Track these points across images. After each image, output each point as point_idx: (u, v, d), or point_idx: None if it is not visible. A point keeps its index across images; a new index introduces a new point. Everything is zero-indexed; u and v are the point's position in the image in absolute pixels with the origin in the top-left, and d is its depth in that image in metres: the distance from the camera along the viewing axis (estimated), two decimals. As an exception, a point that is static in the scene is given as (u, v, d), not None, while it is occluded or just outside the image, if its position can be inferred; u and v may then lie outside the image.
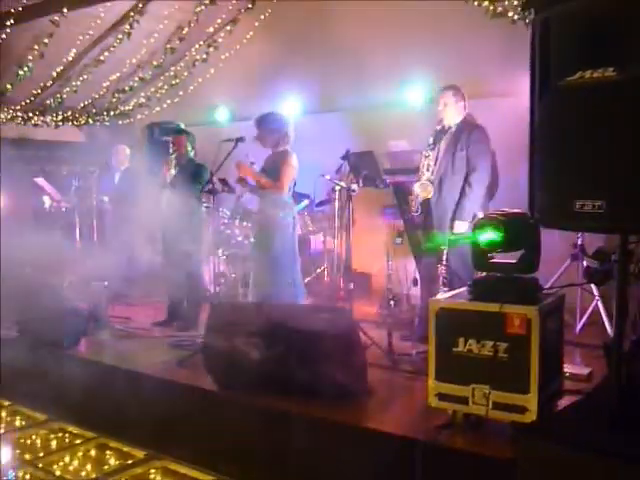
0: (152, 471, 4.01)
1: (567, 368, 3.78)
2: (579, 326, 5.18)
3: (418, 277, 5.32)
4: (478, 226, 3.25)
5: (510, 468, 2.73)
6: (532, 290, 3.22)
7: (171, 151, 5.97)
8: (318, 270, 7.16)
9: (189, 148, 6.02)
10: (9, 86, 8.04)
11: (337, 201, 5.52)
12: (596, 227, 2.51)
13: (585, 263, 5.06)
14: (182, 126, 8.26)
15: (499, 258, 3.36)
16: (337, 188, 5.21)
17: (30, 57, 7.58)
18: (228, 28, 8.31)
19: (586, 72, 2.31)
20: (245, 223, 6.63)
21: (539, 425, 2.88)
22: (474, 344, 3.16)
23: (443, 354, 3.25)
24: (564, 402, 3.34)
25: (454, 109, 4.87)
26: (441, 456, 3.13)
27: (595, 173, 2.32)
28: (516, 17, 5.90)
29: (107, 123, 9.97)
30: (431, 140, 4.88)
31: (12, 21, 6.86)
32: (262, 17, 8.08)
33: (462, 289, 3.51)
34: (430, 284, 4.86)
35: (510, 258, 3.35)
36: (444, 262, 4.59)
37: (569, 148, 2.39)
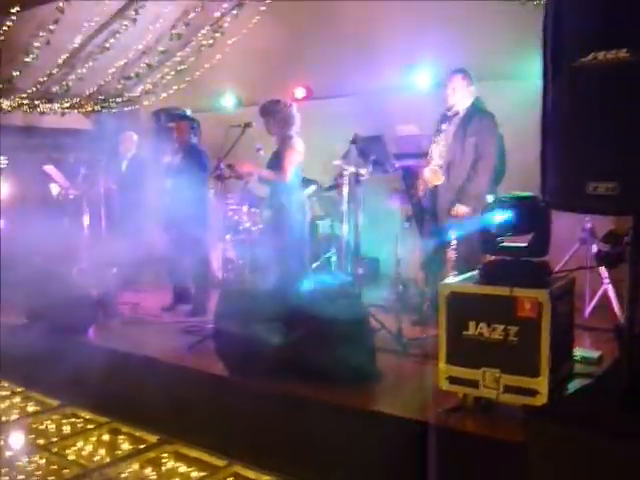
0: (164, 455, 4.03)
1: (577, 351, 3.78)
2: (588, 310, 5.18)
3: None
4: (488, 209, 3.24)
5: (521, 451, 2.73)
6: (543, 273, 3.22)
7: (174, 138, 5.99)
8: (325, 255, 7.16)
9: (191, 134, 6.02)
10: (16, 73, 8.02)
11: (345, 186, 5.49)
12: (609, 209, 2.49)
13: (595, 246, 5.04)
14: (188, 112, 8.26)
15: (509, 242, 3.36)
16: (345, 173, 5.19)
17: (36, 44, 7.56)
18: (234, 12, 8.25)
19: (599, 53, 2.29)
20: (253, 209, 6.62)
21: (550, 408, 2.88)
22: (485, 327, 3.17)
23: (454, 338, 3.26)
24: (574, 385, 3.35)
25: (463, 93, 4.86)
26: (452, 439, 3.14)
27: (608, 155, 2.30)
28: (524, -1, 5.86)
29: (114, 110, 9.95)
30: (443, 127, 4.87)
31: (18, 8, 6.84)
32: (268, 1, 8.03)
33: (472, 273, 3.51)
34: (437, 268, 4.88)
35: (520, 241, 3.35)
36: (453, 246, 4.59)
37: (582, 130, 2.37)
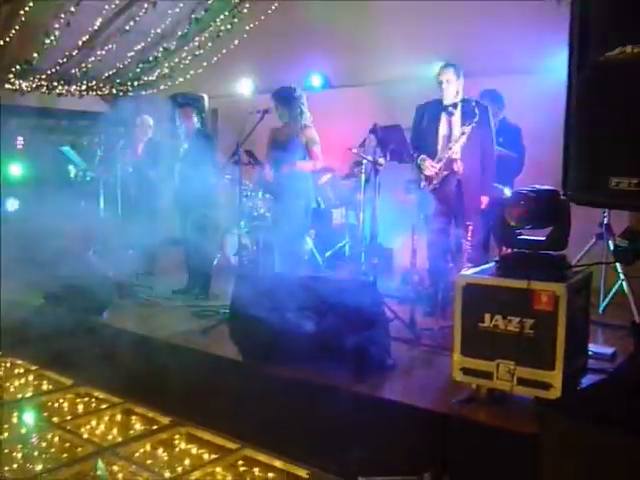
0: (176, 437, 4.08)
1: (591, 347, 3.77)
2: (603, 306, 5.16)
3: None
4: (507, 202, 3.24)
5: (533, 443, 2.75)
6: (560, 267, 3.22)
7: (178, 124, 6.01)
8: (339, 244, 7.18)
9: (196, 119, 6.03)
10: (35, 55, 8.05)
11: (363, 175, 5.51)
12: (631, 205, 2.48)
13: (611, 242, 5.03)
14: (205, 97, 8.27)
15: (527, 235, 3.36)
16: (364, 162, 5.21)
17: (56, 25, 7.58)
18: (253, -2, 8.25)
19: (626, 47, 2.28)
20: (268, 195, 6.64)
21: (564, 402, 2.89)
22: (500, 320, 3.17)
23: (469, 329, 3.27)
24: (588, 380, 3.36)
25: (455, 86, 4.97)
26: (464, 429, 3.16)
27: (632, 150, 2.29)
28: (547, -8, 5.80)
29: (131, 93, 9.97)
30: (440, 113, 4.99)
31: (40, -11, 6.86)
32: (288, -12, 8.01)
33: (488, 265, 3.51)
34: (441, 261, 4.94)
35: (537, 235, 3.35)
36: (469, 237, 4.59)
37: (606, 124, 2.36)
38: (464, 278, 3.34)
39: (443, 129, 5.02)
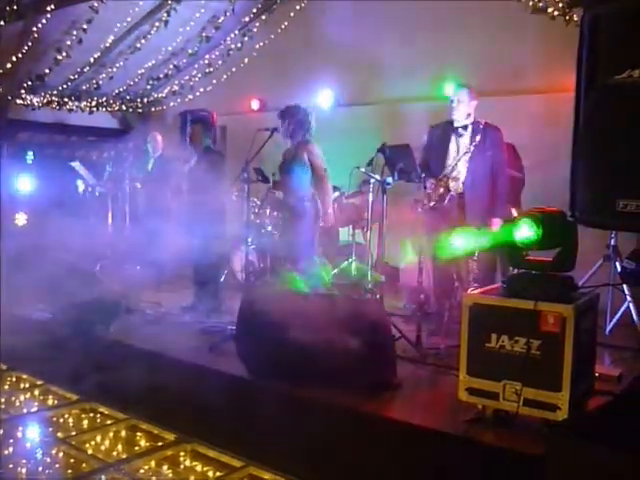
0: (182, 454, 4.07)
1: (597, 369, 3.75)
2: (609, 327, 5.14)
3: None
4: (515, 223, 3.25)
5: (539, 464, 2.74)
6: (567, 288, 3.22)
7: (188, 141, 6.05)
8: (346, 262, 7.17)
9: (204, 136, 6.07)
10: (47, 70, 8.15)
11: (370, 193, 5.53)
12: (638, 227, 2.50)
13: (618, 264, 5.02)
14: (214, 114, 8.33)
15: (534, 256, 3.36)
16: (372, 181, 5.23)
17: (68, 42, 7.68)
18: (263, 17, 8.34)
19: (634, 71, 2.31)
20: (275, 213, 6.66)
21: (571, 424, 2.88)
22: (507, 340, 3.17)
23: (475, 349, 3.26)
24: (594, 402, 3.34)
25: (467, 107, 4.97)
26: (470, 450, 3.14)
27: (639, 172, 2.31)
28: (556, 13, 5.86)
29: (140, 110, 10.07)
30: (444, 134, 5.04)
31: (52, 6, 6.95)
32: (298, 7, 8.10)
33: (495, 285, 3.52)
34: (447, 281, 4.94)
35: (544, 256, 3.35)
36: (475, 258, 4.60)
37: (614, 147, 2.39)
38: (471, 298, 3.34)
39: (452, 150, 5.03)
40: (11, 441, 4.22)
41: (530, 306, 3.08)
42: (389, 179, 4.89)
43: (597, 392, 3.49)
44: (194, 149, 6.03)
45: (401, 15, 7.09)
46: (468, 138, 4.99)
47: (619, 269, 5.00)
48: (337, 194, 7.06)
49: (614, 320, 5.15)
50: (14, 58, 7.78)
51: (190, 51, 8.68)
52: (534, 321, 3.07)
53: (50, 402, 5.00)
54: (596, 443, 2.51)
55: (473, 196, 4.92)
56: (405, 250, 4.80)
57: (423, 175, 4.93)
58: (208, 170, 5.76)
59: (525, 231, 3.16)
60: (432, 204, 4.98)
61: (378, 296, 4.96)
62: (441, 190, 4.95)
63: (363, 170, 5.49)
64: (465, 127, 4.99)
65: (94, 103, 9.43)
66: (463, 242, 3.83)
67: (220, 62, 8.89)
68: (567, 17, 5.80)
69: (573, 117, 2.58)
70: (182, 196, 6.07)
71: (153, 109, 10.12)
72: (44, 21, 7.26)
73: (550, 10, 5.91)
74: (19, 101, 8.76)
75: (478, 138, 4.89)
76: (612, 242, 5.21)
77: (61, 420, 4.64)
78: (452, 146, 5.05)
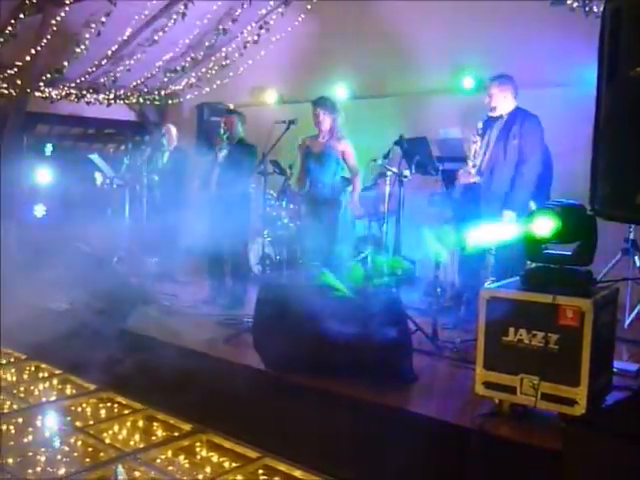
0: (198, 444, 4.09)
1: (615, 364, 3.73)
2: (628, 321, 5.10)
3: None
4: (534, 217, 3.22)
5: (556, 459, 2.73)
6: (586, 282, 3.20)
7: (222, 131, 6.03)
8: (362, 255, 7.16)
9: (240, 128, 6.06)
10: (66, 63, 8.19)
11: (387, 186, 5.52)
12: (659, 221, 2.47)
13: (637, 258, 4.98)
14: (231, 107, 8.34)
15: (553, 249, 3.34)
16: (388, 173, 5.22)
17: (87, 35, 7.72)
18: (280, 10, 8.32)
19: (658, 63, 2.27)
20: (291, 205, 6.67)
21: (590, 418, 2.86)
22: (524, 334, 3.16)
23: (492, 343, 3.25)
24: (612, 397, 3.32)
25: (501, 99, 4.85)
26: (487, 444, 3.13)
27: (661, 166, 2.29)
28: (575, 5, 5.80)
29: (157, 102, 10.10)
30: (480, 125, 4.87)
31: (71, -1, 6.99)
32: (314, 0, 8.07)
33: (513, 279, 3.50)
34: (473, 273, 4.89)
35: (563, 250, 3.33)
36: (493, 251, 4.58)
37: (636, 139, 2.35)
38: (489, 291, 3.33)
39: (485, 141, 4.91)
40: (30, 429, 4.27)
41: (549, 300, 3.06)
42: (406, 172, 4.87)
43: (615, 387, 3.47)
44: (228, 140, 5.99)
45: (417, 8, 7.05)
46: (498, 129, 4.87)
47: (638, 263, 4.96)
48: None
49: (633, 314, 5.12)
50: (33, 51, 7.83)
51: (207, 44, 8.68)
52: (552, 315, 3.06)
53: (68, 391, 5.04)
54: (615, 438, 2.49)
55: (490, 186, 4.82)
56: (431, 241, 4.75)
57: (441, 168, 4.90)
58: (241, 161, 5.76)
59: (544, 224, 3.14)
60: (449, 196, 4.94)
61: (395, 289, 4.95)
62: (461, 180, 4.90)
63: (380, 163, 5.48)
64: (497, 118, 4.87)
65: (112, 96, 9.47)
66: (480, 234, 3.83)
67: (237, 55, 8.88)
68: (587, 8, 5.74)
69: (594, 110, 2.55)
70: (210, 187, 6.03)
71: (170, 102, 10.14)
72: (63, 14, 7.29)
73: (570, 1, 5.84)
74: (38, 94, 8.82)
75: (502, 126, 4.79)
76: (631, 236, 5.17)
77: (79, 409, 4.68)
78: (486, 137, 4.91)
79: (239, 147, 5.95)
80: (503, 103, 4.84)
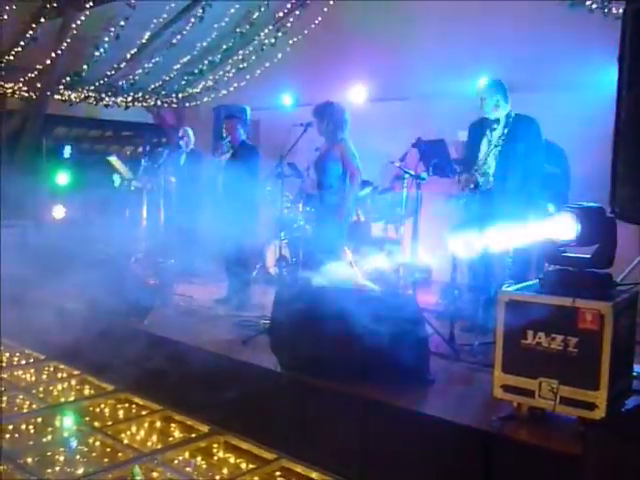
0: (215, 445, 4.12)
1: (636, 368, 3.69)
2: (647, 325, 5.04)
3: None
4: (553, 219, 3.21)
5: (575, 463, 2.71)
6: (606, 285, 3.17)
7: (224, 135, 6.09)
8: (378, 258, 7.15)
9: (241, 131, 6.10)
10: (85, 67, 8.28)
11: (404, 189, 5.51)
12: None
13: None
14: (247, 109, 8.37)
15: (571, 252, 3.32)
16: (406, 176, 5.21)
17: (106, 39, 7.79)
18: (297, 13, 8.35)
19: (680, 66, 2.26)
20: (308, 208, 6.69)
21: (610, 423, 2.84)
22: (543, 337, 3.13)
23: (511, 346, 3.23)
24: (633, 401, 3.29)
25: (491, 103, 4.86)
26: (505, 448, 3.12)
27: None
28: (594, 6, 5.77)
29: (174, 105, 10.17)
30: (480, 129, 4.94)
31: (91, 3, 7.06)
32: (331, 2, 8.10)
33: (532, 281, 3.48)
34: (490, 275, 4.87)
35: (582, 252, 3.30)
36: (511, 254, 4.56)
37: (656, 142, 2.34)
38: (507, 294, 3.31)
39: (485, 145, 4.96)
40: (49, 429, 4.32)
41: (568, 303, 3.04)
42: (424, 174, 4.86)
43: (635, 391, 3.44)
44: (230, 143, 6.06)
45: (434, 11, 7.04)
46: (500, 132, 4.90)
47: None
48: (369, 189, 7.05)
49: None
50: (53, 54, 7.92)
51: (224, 46, 8.74)
52: (572, 318, 3.03)
53: (86, 392, 5.09)
54: (635, 442, 2.47)
55: (502, 190, 4.81)
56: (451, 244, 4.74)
57: (459, 171, 4.88)
58: (243, 164, 5.80)
59: (563, 227, 3.12)
60: (463, 200, 4.93)
61: (411, 292, 4.95)
62: (472, 186, 4.90)
63: (398, 165, 5.47)
64: (498, 120, 4.91)
65: (130, 99, 9.55)
66: (493, 238, 3.81)
67: (254, 57, 8.93)
68: (606, 10, 5.71)
69: (612, 113, 2.54)
70: (216, 189, 6.11)
71: (187, 104, 10.21)
72: (83, 18, 7.37)
73: (588, 3, 5.82)
74: (57, 96, 8.91)
75: (506, 130, 4.81)
76: (651, 239, 5.12)
77: (97, 410, 4.72)
78: (485, 140, 4.96)
79: (241, 149, 6.00)
80: (492, 107, 4.87)
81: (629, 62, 2.43)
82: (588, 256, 3.23)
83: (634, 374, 3.61)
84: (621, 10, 2.66)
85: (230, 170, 5.94)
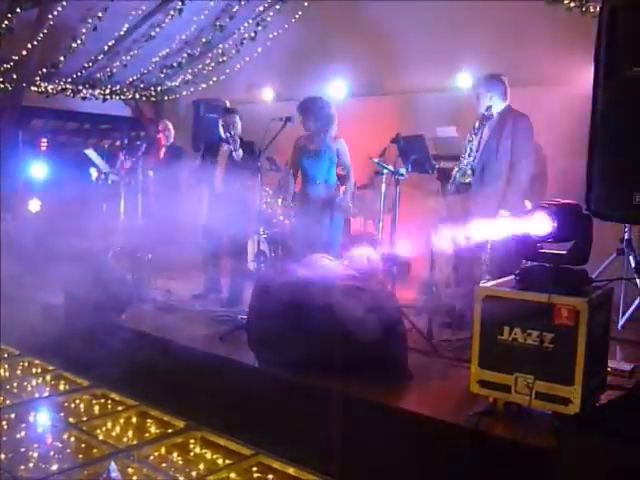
0: (191, 441, 4.10)
1: (609, 363, 3.73)
2: (622, 322, 5.11)
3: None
4: (529, 215, 3.22)
5: (550, 458, 2.74)
6: (581, 282, 3.20)
7: (222, 130, 6.00)
8: (357, 253, 7.16)
9: (239, 128, 6.04)
10: (62, 58, 8.17)
11: (383, 184, 5.52)
12: (655, 221, 2.47)
13: (632, 258, 4.99)
14: (228, 104, 8.31)
15: (548, 248, 3.34)
16: (384, 172, 5.22)
17: (83, 30, 7.69)
18: (277, 7, 8.31)
19: (655, 63, 2.28)
20: (287, 203, 6.65)
21: (584, 417, 2.86)
22: (519, 333, 3.15)
23: (487, 341, 3.25)
24: (606, 396, 3.33)
25: (487, 99, 4.84)
26: (481, 442, 3.13)
27: (657, 166, 2.29)
28: (572, 4, 5.81)
29: (153, 98, 10.08)
30: (477, 125, 4.87)
31: (68, -6, 6.97)
32: (311, -3, 8.07)
33: (508, 278, 3.50)
34: (468, 272, 4.88)
35: (557, 249, 3.33)
36: (488, 250, 4.58)
37: (632, 139, 2.36)
38: (484, 290, 3.33)
39: (475, 140, 4.89)
40: (23, 425, 4.27)
41: (544, 299, 3.06)
42: (402, 170, 4.86)
43: (609, 386, 3.48)
44: (231, 139, 5.95)
45: (416, 6, 7.04)
46: (490, 128, 4.86)
47: (633, 263, 4.97)
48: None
49: (627, 314, 5.12)
50: (29, 45, 7.80)
51: (204, 40, 8.67)
52: (547, 314, 3.06)
53: (61, 387, 5.05)
54: (609, 437, 2.50)
55: (482, 185, 4.80)
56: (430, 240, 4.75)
57: (437, 166, 4.89)
58: (246, 159, 5.73)
59: (539, 223, 3.14)
60: (444, 195, 4.94)
61: (389, 287, 4.95)
62: (451, 180, 4.90)
63: (376, 161, 5.47)
64: (487, 117, 4.86)
65: (108, 91, 9.45)
66: (474, 233, 3.83)
67: (234, 51, 8.87)
68: (584, 8, 5.75)
69: (590, 109, 2.56)
70: (214, 186, 6.02)
71: (166, 98, 10.12)
72: (59, 8, 7.26)
73: (566, 1, 5.85)
74: (34, 88, 8.78)
75: (493, 125, 4.79)
76: (626, 236, 5.18)
77: (72, 405, 4.68)
78: (476, 137, 4.89)
79: (241, 145, 5.94)
80: (490, 103, 4.84)
81: (604, 60, 2.45)
82: (564, 252, 3.26)
83: (608, 369, 3.66)
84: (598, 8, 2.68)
85: (233, 165, 5.83)
